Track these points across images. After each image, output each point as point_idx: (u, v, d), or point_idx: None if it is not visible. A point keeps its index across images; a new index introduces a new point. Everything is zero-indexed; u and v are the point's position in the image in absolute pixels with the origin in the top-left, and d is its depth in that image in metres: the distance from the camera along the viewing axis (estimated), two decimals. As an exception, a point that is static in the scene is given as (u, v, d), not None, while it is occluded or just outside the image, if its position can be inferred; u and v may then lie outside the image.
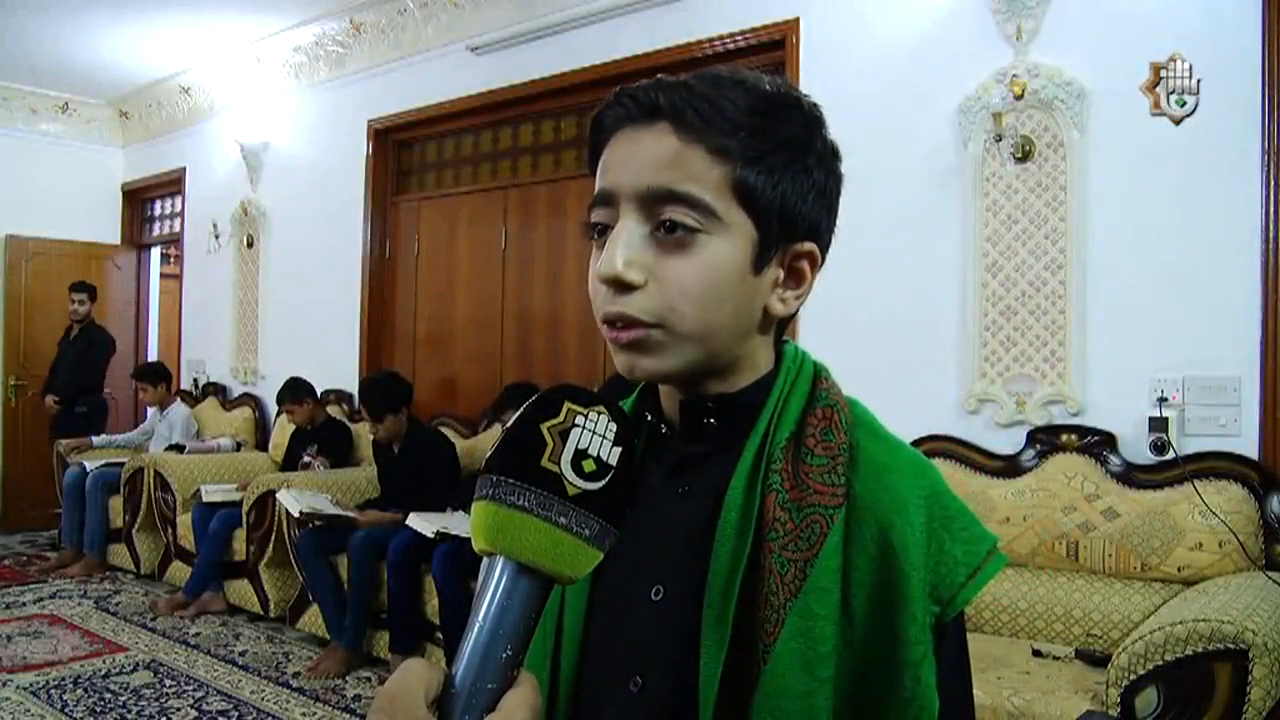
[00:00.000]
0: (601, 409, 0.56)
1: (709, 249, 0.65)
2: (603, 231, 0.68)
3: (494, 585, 0.54)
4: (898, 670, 0.62)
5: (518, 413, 0.57)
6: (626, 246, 0.65)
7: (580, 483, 0.55)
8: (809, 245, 0.70)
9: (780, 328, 0.74)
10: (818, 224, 0.70)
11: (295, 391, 4.76)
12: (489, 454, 0.56)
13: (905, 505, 0.65)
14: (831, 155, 0.70)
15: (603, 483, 0.55)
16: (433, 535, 3.62)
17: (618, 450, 0.56)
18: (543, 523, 0.54)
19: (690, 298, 0.65)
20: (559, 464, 0.54)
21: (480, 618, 0.54)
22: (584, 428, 0.56)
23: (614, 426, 0.56)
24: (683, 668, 0.66)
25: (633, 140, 0.67)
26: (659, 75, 0.69)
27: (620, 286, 0.65)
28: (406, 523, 3.75)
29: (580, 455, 0.55)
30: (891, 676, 0.62)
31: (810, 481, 0.65)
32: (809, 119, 0.69)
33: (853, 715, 0.63)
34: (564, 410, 0.56)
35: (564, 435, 0.55)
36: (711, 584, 0.65)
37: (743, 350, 0.70)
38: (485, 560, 0.56)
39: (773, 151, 0.66)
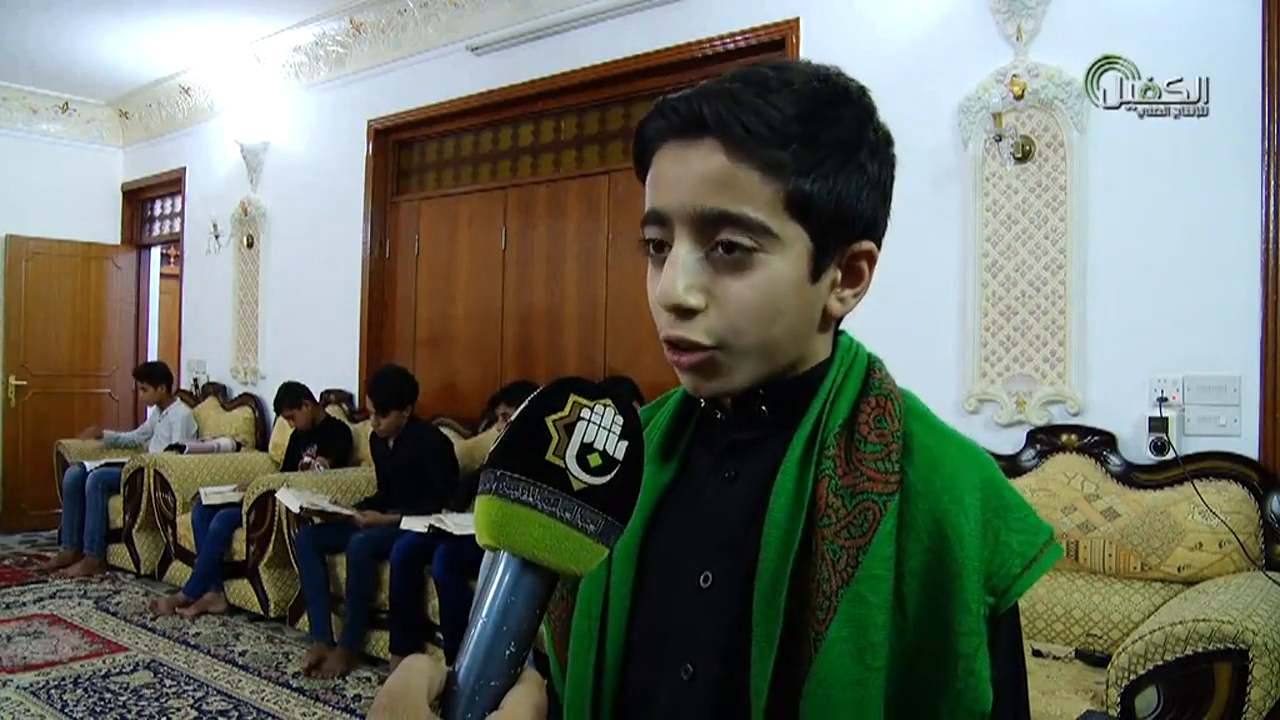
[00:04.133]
0: (608, 402, 0.55)
1: (766, 267, 0.65)
2: (659, 247, 0.68)
3: (497, 581, 0.53)
4: (950, 661, 0.61)
5: (522, 406, 0.56)
6: (685, 273, 0.65)
7: (585, 477, 0.53)
8: (866, 244, 0.69)
9: (838, 320, 0.74)
10: (874, 218, 0.69)
11: (291, 396, 4.76)
12: (493, 448, 0.56)
13: (960, 494, 0.64)
14: (884, 143, 0.69)
15: (609, 477, 0.54)
16: (426, 530, 3.62)
17: (624, 444, 0.55)
18: (547, 518, 0.53)
19: (750, 318, 0.65)
20: (564, 458, 0.53)
21: (484, 614, 0.53)
22: (590, 421, 0.54)
23: (620, 420, 0.55)
24: (734, 655, 0.65)
25: (681, 158, 0.65)
26: (702, 82, 0.67)
27: (681, 312, 0.65)
28: (401, 526, 3.76)
29: (586, 449, 0.54)
30: (944, 667, 0.61)
31: (864, 468, 0.65)
32: (859, 112, 0.67)
33: (904, 705, 0.62)
34: (569, 403, 0.55)
35: (569, 429, 0.54)
36: (762, 571, 0.64)
37: (802, 350, 0.71)
38: (488, 555, 0.55)
39: (826, 157, 0.65)
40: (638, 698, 0.70)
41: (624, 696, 0.71)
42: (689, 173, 0.65)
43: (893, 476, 0.64)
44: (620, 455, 0.55)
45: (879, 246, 0.71)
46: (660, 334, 0.68)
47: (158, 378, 5.70)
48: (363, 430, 4.93)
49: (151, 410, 5.88)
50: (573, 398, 0.55)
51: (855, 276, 0.70)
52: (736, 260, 0.65)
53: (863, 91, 0.69)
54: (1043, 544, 0.66)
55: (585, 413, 0.55)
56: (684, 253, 0.65)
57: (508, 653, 0.52)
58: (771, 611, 0.63)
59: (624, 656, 0.71)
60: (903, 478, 0.65)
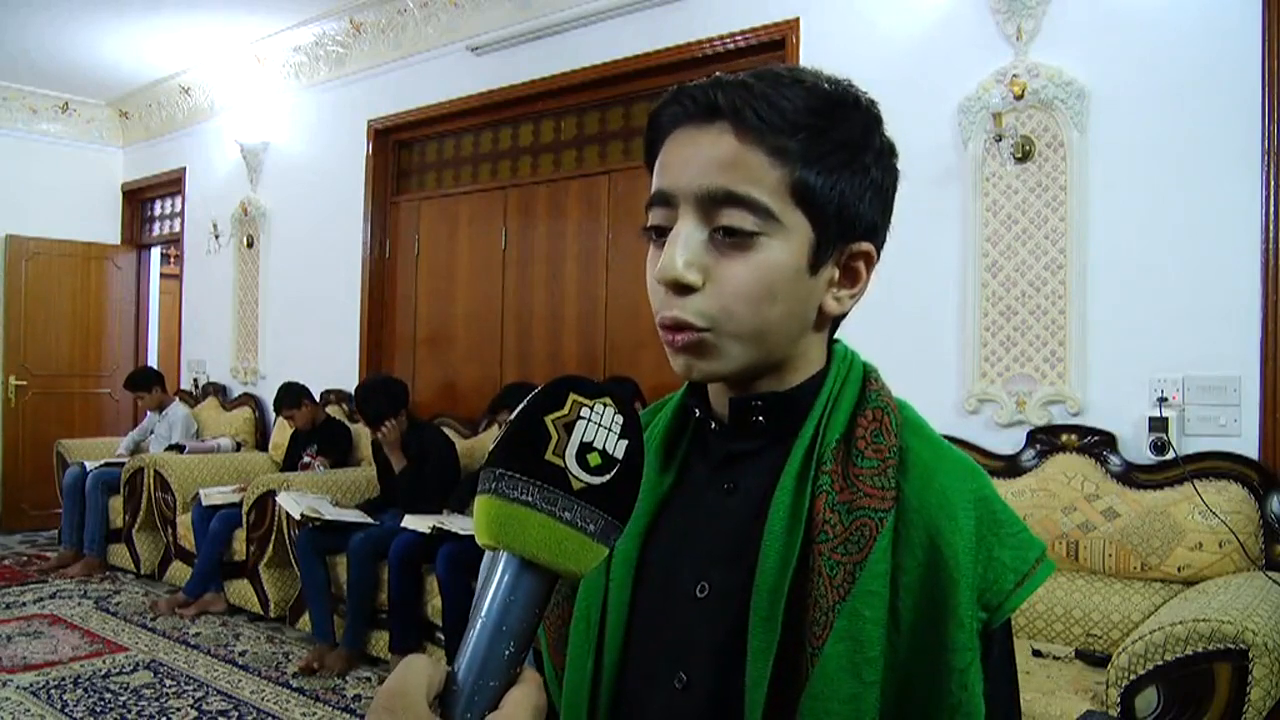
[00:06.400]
0: (607, 400, 0.55)
1: (766, 251, 0.65)
2: (661, 233, 0.68)
3: (496, 581, 0.53)
4: (944, 676, 0.62)
5: (521, 405, 0.56)
6: (685, 248, 0.65)
7: (585, 477, 0.53)
8: (865, 245, 0.70)
9: (834, 325, 0.74)
10: (874, 223, 0.70)
11: (291, 396, 4.76)
12: (492, 448, 0.55)
13: (954, 509, 0.64)
14: (889, 153, 0.70)
15: (608, 477, 0.54)
16: (429, 530, 3.62)
17: (624, 443, 0.55)
18: (546, 518, 0.52)
19: (744, 299, 0.65)
20: (563, 457, 0.53)
21: (483, 614, 0.53)
22: (589, 420, 0.54)
23: (620, 419, 0.55)
24: (728, 666, 0.65)
25: (691, 140, 0.67)
26: (717, 74, 0.68)
27: (678, 288, 0.65)
28: (402, 525, 3.75)
29: (585, 448, 0.54)
30: (937, 682, 0.62)
31: (861, 484, 0.65)
32: (867, 118, 0.69)
33: (898, 719, 0.63)
34: (569, 402, 0.54)
35: (568, 428, 0.54)
36: (759, 584, 0.65)
37: (797, 349, 0.71)
38: (488, 555, 0.55)
39: (831, 152, 0.66)
40: (632, 706, 0.71)
41: (619, 704, 0.71)
42: (698, 154, 0.66)
43: (889, 492, 0.65)
44: (620, 454, 0.54)
45: (879, 253, 0.71)
46: (655, 316, 0.68)
47: (149, 383, 5.70)
48: (363, 430, 4.93)
49: (151, 411, 5.88)
50: (572, 396, 0.55)
51: (853, 277, 0.71)
52: (738, 242, 0.65)
53: (871, 102, 0.70)
54: (1035, 560, 0.66)
55: (585, 411, 0.54)
56: (686, 230, 0.65)
57: (507, 653, 0.52)
58: (769, 626, 0.63)
59: (620, 665, 0.71)
60: (898, 493, 0.65)
